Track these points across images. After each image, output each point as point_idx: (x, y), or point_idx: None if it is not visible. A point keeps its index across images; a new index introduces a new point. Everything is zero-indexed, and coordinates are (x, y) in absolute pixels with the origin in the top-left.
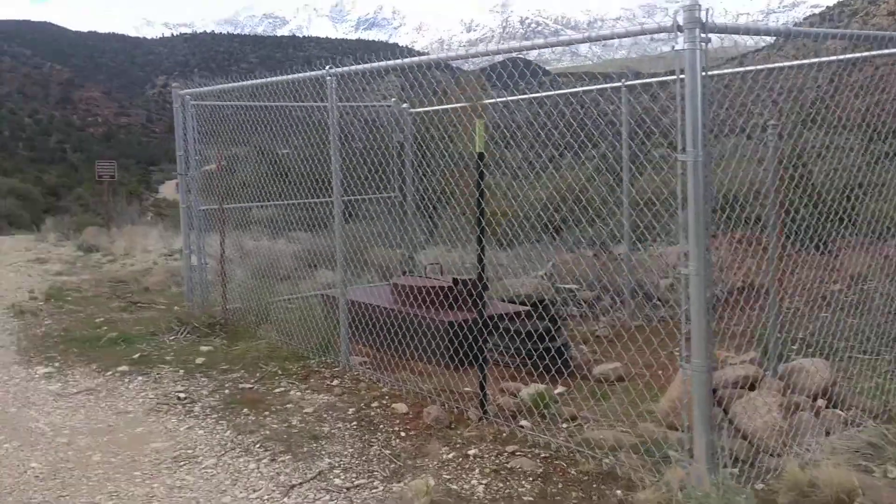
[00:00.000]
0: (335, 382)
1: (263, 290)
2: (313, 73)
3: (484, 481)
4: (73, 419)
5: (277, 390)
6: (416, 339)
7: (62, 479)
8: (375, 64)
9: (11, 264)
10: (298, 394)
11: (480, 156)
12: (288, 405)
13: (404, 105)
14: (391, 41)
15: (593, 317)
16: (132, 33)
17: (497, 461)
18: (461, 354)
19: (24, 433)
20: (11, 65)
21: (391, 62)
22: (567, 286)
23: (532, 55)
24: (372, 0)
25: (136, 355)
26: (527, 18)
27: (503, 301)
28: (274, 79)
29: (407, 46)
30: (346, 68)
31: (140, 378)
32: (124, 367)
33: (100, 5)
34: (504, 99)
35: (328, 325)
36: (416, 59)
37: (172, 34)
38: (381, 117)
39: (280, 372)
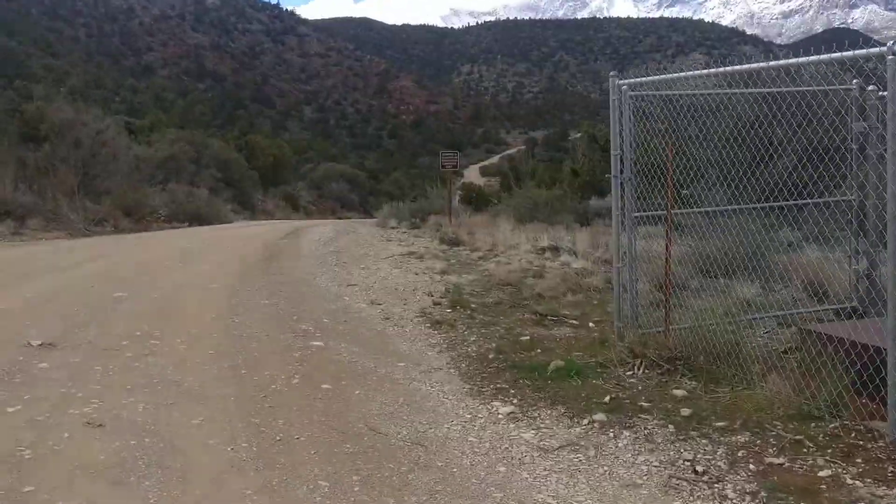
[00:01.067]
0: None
1: (713, 310)
2: (862, 51)
3: None
4: (577, 490)
5: (822, 473)
6: None
7: None
8: None
9: (388, 258)
10: (859, 484)
11: None
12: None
13: (870, 88)
14: (695, 17)
15: None
16: (440, 24)
17: None
18: None
19: None
20: (337, 59)
21: None
22: None
23: (859, 24)
24: None
25: (606, 398)
26: None
27: None
28: (787, 62)
29: (711, 22)
30: None
31: (626, 433)
32: (600, 416)
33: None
34: None
35: (832, 371)
36: None
37: (477, 23)
38: (832, 104)
39: (805, 441)
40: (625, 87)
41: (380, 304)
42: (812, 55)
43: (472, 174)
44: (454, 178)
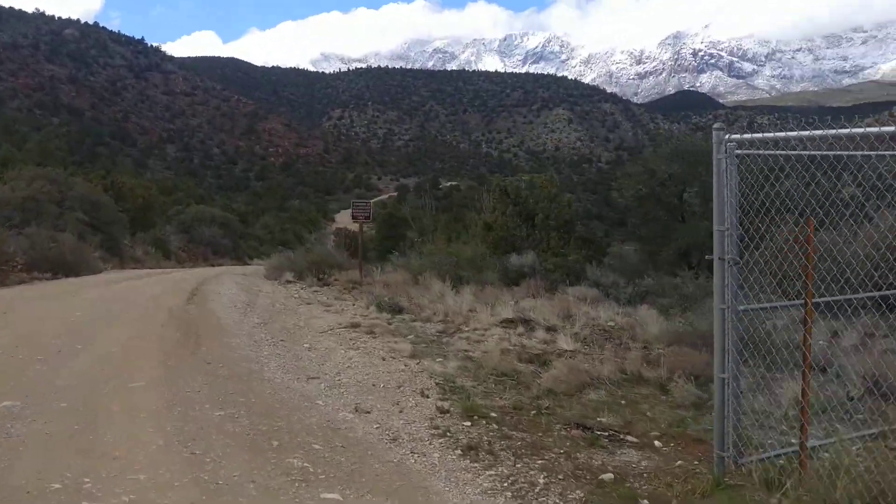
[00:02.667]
0: None
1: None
2: None
3: None
4: None
5: None
6: None
7: None
8: None
9: (328, 331)
10: None
11: None
12: None
13: None
14: (559, 74)
15: None
16: (311, 68)
17: None
18: None
19: None
20: (204, 97)
21: None
22: None
23: (706, 87)
24: (540, 34)
25: None
26: (700, 51)
27: None
28: None
29: (574, 79)
30: None
31: None
32: None
33: (282, 42)
34: None
35: None
36: None
37: (349, 69)
38: None
39: None
40: (732, 143)
41: (368, 412)
42: None
43: (345, 218)
44: (332, 224)
